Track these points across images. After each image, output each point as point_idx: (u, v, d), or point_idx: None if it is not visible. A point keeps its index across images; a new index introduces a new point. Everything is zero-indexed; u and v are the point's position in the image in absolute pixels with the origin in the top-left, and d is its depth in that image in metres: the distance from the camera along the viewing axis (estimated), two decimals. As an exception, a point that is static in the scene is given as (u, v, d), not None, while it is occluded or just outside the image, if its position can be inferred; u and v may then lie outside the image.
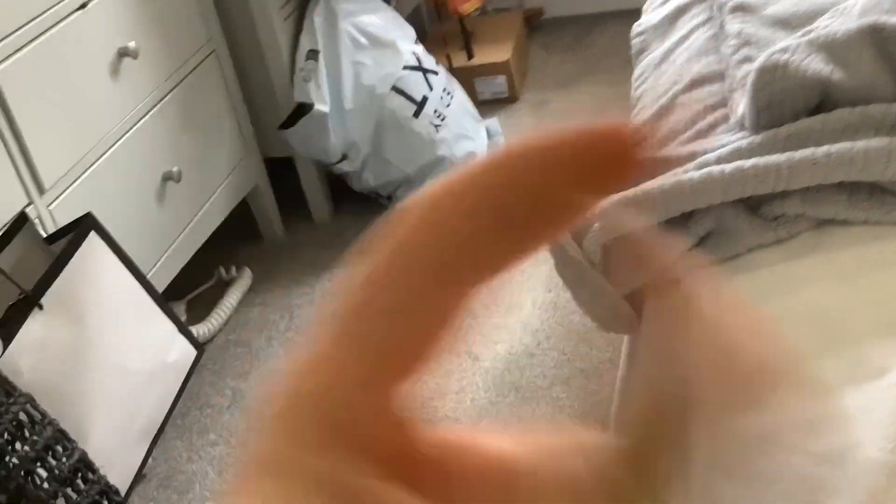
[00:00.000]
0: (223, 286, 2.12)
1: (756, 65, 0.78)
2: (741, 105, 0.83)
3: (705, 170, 0.74)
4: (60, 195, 1.59)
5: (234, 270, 2.15)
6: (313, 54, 2.12)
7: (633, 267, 0.82)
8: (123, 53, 1.73)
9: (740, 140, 0.77)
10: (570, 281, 0.82)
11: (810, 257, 0.73)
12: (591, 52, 2.84)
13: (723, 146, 0.78)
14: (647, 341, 0.81)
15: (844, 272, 0.71)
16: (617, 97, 2.57)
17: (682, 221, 0.79)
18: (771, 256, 0.75)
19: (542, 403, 1.71)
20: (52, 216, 1.56)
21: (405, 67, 2.20)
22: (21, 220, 1.45)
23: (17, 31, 1.51)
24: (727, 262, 0.77)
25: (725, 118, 0.89)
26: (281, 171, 2.31)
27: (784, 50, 0.77)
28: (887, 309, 0.68)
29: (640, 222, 0.72)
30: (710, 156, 0.77)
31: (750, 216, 0.76)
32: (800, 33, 0.80)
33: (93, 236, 1.43)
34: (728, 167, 0.73)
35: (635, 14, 2.46)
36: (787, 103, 0.76)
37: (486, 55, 2.63)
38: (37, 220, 1.52)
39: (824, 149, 0.71)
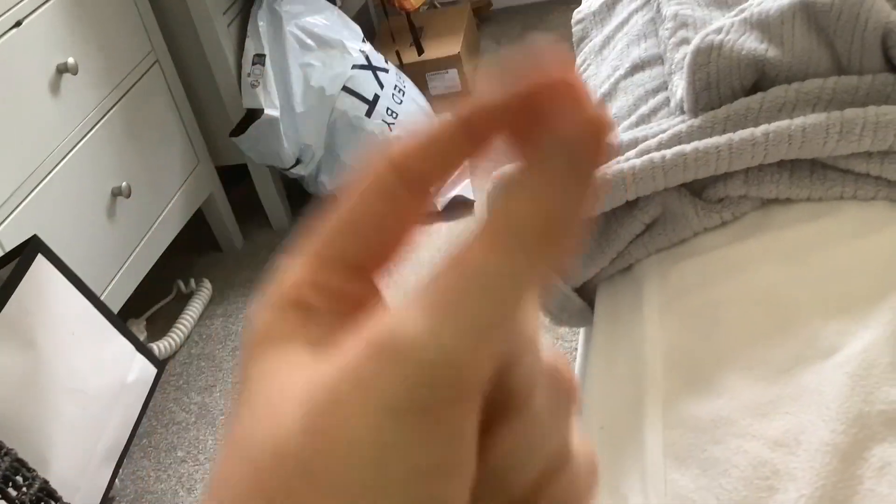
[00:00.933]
0: (183, 300, 2.09)
1: (691, 47, 0.77)
2: (680, 88, 0.82)
3: (646, 157, 0.73)
4: (5, 219, 1.55)
5: (193, 283, 2.12)
6: (259, 58, 2.09)
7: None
8: (62, 70, 1.70)
9: (680, 124, 0.76)
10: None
11: (756, 238, 0.72)
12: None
13: (663, 131, 0.77)
14: (599, 333, 0.80)
15: (791, 251, 0.71)
16: (569, 84, 2.57)
17: (627, 209, 0.78)
18: (718, 239, 0.74)
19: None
20: (-2, 241, 1.53)
21: (354, 67, 2.18)
22: (-35, 247, 1.41)
23: (-52, 53, 1.47)
24: (675, 246, 0.76)
25: (667, 101, 0.88)
26: (235, 178, 2.28)
27: (718, 30, 0.77)
28: (835, 286, 0.67)
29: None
30: (651, 142, 0.76)
31: (694, 200, 0.75)
32: (734, 12, 0.79)
33: (40, 259, 1.40)
34: (669, 152, 0.72)
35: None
36: (724, 84, 0.75)
37: (436, 50, 2.61)
38: (-18, 246, 1.48)
39: (763, 128, 0.71)
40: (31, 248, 1.39)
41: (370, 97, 2.19)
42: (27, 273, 1.38)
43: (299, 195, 2.32)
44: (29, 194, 1.61)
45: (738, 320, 0.68)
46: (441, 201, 2.20)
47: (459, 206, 2.20)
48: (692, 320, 0.71)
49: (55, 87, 1.69)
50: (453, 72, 2.59)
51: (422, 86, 2.51)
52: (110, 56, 1.84)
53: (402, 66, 2.50)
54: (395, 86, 2.27)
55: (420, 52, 2.61)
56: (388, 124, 2.20)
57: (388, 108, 2.21)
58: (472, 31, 2.79)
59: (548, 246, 0.18)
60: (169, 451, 1.77)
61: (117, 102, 1.85)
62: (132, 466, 1.74)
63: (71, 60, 1.70)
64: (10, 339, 1.35)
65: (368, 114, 2.17)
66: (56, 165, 1.68)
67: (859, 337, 0.64)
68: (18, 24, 1.62)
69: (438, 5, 2.91)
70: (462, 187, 2.22)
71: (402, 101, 2.26)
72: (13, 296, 1.35)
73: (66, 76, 1.71)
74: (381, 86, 2.22)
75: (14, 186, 1.58)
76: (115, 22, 1.86)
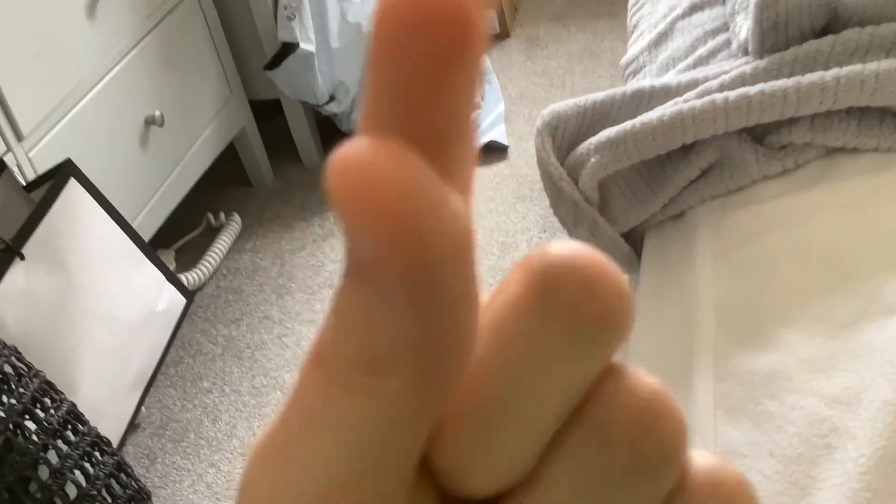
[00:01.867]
0: (212, 233, 2.08)
1: (761, -16, 0.73)
2: (744, 29, 0.78)
3: (707, 98, 0.70)
4: (39, 142, 1.54)
5: (222, 217, 2.11)
6: (297, -9, 2.05)
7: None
8: (99, -7, 1.67)
9: (744, 66, 0.73)
10: (565, 219, 0.79)
11: (819, 188, 0.69)
12: (583, -16, 2.76)
13: (725, 73, 0.74)
14: (647, 281, 0.77)
15: (854, 202, 0.68)
16: (610, 30, 2.51)
17: (682, 154, 0.75)
18: (778, 188, 0.71)
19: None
20: (31, 163, 1.52)
21: None
22: (-2, 168, 1.40)
23: (-16, -30, 1.45)
24: (731, 194, 0.73)
25: (727, 43, 0.84)
26: (268, 113, 2.25)
27: (790, -32, 0.73)
28: (900, 241, 0.64)
29: (635, 159, 0.66)
30: (713, 83, 0.73)
31: (755, 146, 0.72)
32: (806, -50, 0.75)
33: (73, 183, 1.39)
34: (732, 94, 0.69)
35: (629, -57, 2.37)
36: (792, 24, 0.72)
37: (476, -10, 2.55)
38: (16, 168, 1.47)
39: (833, 72, 0.67)
40: (65, 171, 1.38)
41: (408, 35, 2.14)
42: (59, 196, 1.37)
43: (332, 133, 2.29)
44: (63, 118, 1.60)
45: (797, 273, 0.66)
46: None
47: (492, 151, 2.16)
48: (747, 271, 0.68)
49: (91, 10, 1.67)
50: (492, 13, 2.53)
51: (460, 26, 2.46)
52: (147, -19, 1.80)
53: (440, 5, 2.44)
54: (434, 25, 2.22)
55: (460, -9, 2.54)
56: (425, 64, 2.16)
57: (425, 48, 2.17)
58: (514, -27, 2.72)
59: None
60: (195, 381, 1.77)
61: (153, 29, 1.82)
62: (158, 395, 1.75)
63: (108, -17, 1.67)
64: (42, 262, 1.35)
65: (405, 52, 2.13)
66: (91, 90, 1.66)
67: (923, 296, 0.62)
68: (55, -57, 1.59)
69: (480, -56, 2.84)
70: (495, 132, 2.18)
71: (439, 41, 2.22)
72: (45, 218, 1.34)
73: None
74: (420, 24, 2.18)
75: (49, 109, 1.56)
76: (153, -54, 1.83)
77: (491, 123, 2.22)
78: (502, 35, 2.57)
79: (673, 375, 0.67)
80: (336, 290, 0.15)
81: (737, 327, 0.65)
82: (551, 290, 0.15)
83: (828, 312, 0.62)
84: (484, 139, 2.17)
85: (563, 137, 0.78)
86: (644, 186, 0.76)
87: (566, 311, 0.15)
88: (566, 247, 0.15)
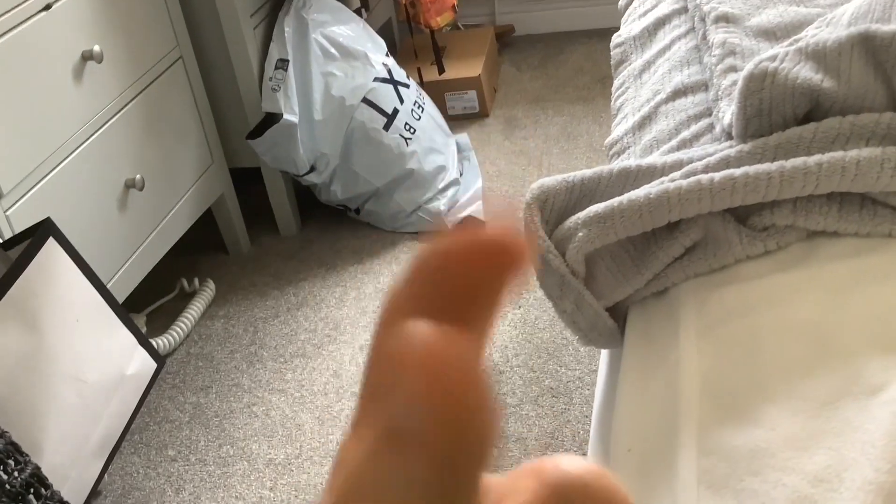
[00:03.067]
0: (185, 298, 2.07)
1: (745, 72, 0.76)
2: (728, 114, 0.81)
3: (693, 178, 0.72)
4: (19, 200, 1.54)
5: (196, 282, 2.10)
6: (283, 63, 2.09)
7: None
8: (88, 57, 1.69)
9: (728, 149, 0.75)
10: (551, 292, 0.80)
11: (801, 269, 0.71)
12: (561, 69, 2.83)
13: (710, 155, 0.76)
14: (631, 356, 0.78)
15: (836, 285, 0.69)
16: (586, 114, 2.57)
17: (667, 232, 0.76)
18: (760, 268, 0.73)
19: (512, 421, 1.68)
20: (9, 222, 1.51)
21: (376, 79, 2.18)
22: (-24, 224, 1.39)
23: (-24, 29, 1.46)
24: (715, 273, 0.75)
25: (710, 128, 0.87)
26: (247, 181, 2.27)
27: (773, 58, 0.76)
28: (881, 323, 0.66)
29: (623, 234, 0.67)
30: (698, 164, 0.75)
31: (738, 227, 0.74)
32: (787, 42, 0.79)
33: (51, 242, 1.38)
34: (717, 175, 0.71)
35: (605, 33, 2.44)
36: (776, 111, 0.74)
37: (457, 70, 2.61)
38: (-8, 226, 1.46)
39: (815, 158, 0.70)
40: (44, 230, 1.37)
41: (389, 111, 2.18)
42: (37, 255, 1.36)
43: (310, 203, 2.30)
44: (44, 177, 1.60)
45: (779, 351, 0.67)
46: (452, 220, 2.18)
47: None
48: (731, 348, 0.69)
49: (79, 74, 1.68)
50: (472, 93, 2.59)
51: (440, 104, 2.51)
52: (135, 48, 1.83)
53: (422, 84, 2.50)
54: (415, 101, 2.27)
55: (441, 71, 2.60)
56: (405, 139, 2.19)
57: (406, 124, 2.21)
58: (494, 55, 2.79)
59: None
60: (160, 448, 1.74)
61: (138, 94, 1.84)
62: (122, 462, 1.72)
63: (97, 48, 1.69)
64: (15, 320, 1.33)
65: (386, 127, 2.17)
66: (73, 151, 1.67)
67: (903, 377, 0.63)
68: (48, 7, 1.62)
69: (462, 27, 2.92)
70: (473, 209, 2.21)
71: (420, 118, 2.26)
72: (21, 276, 1.33)
73: (91, 63, 1.70)
74: (401, 100, 2.22)
75: (30, 168, 1.56)
76: (144, 14, 1.86)
77: (469, 200, 2.24)
78: (482, 114, 2.62)
79: (656, 450, 0.67)
80: (342, 448, 0.16)
81: (720, 403, 0.66)
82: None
83: (810, 391, 0.63)
84: (461, 215, 2.19)
85: (551, 211, 0.80)
86: (629, 262, 0.77)
87: None
88: (579, 465, 0.17)
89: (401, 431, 0.15)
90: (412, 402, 0.15)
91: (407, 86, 2.27)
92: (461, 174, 2.32)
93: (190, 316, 2.00)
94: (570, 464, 0.17)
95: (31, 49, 1.57)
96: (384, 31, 2.65)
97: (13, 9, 1.53)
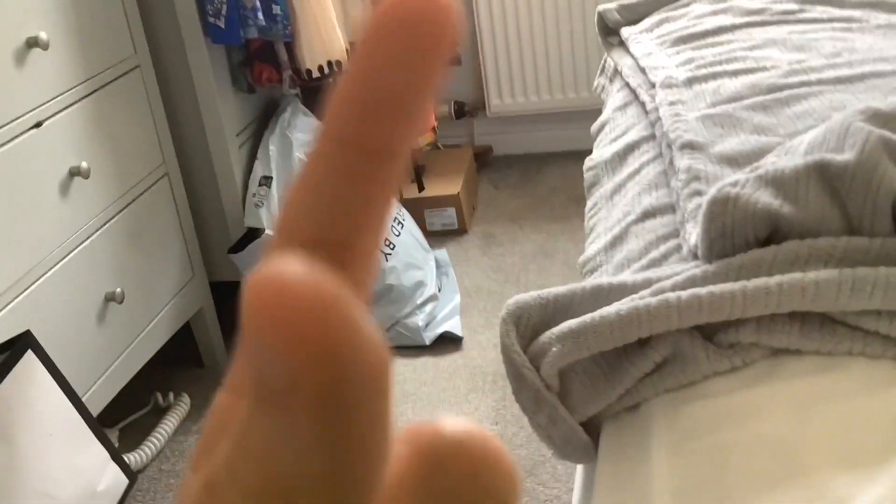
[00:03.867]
0: (159, 413, 2.05)
1: (708, 197, 0.80)
2: (693, 235, 0.84)
3: (661, 296, 0.75)
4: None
5: (171, 397, 2.08)
6: (266, 181, 2.14)
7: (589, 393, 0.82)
8: (75, 173, 1.73)
9: (694, 269, 0.79)
10: (527, 406, 0.81)
11: (765, 386, 0.73)
12: (538, 189, 2.91)
13: (677, 274, 0.80)
14: (604, 471, 0.79)
15: (800, 401, 0.71)
16: (563, 232, 2.63)
17: (638, 348, 0.79)
18: (727, 384, 0.75)
19: (488, 540, 1.66)
20: (-13, 333, 1.51)
21: (357, 197, 2.23)
22: (-46, 336, 1.39)
23: (-32, 145, 1.50)
24: (684, 388, 0.77)
25: (678, 248, 0.90)
26: (226, 295, 2.28)
27: (734, 184, 0.80)
28: (844, 441, 0.68)
29: (594, 349, 0.70)
30: (666, 283, 0.78)
31: (706, 343, 0.76)
32: (748, 169, 0.83)
33: (29, 355, 1.39)
34: (684, 294, 0.74)
35: (580, 154, 2.53)
36: (738, 234, 0.78)
37: (437, 188, 2.68)
38: (-30, 337, 1.46)
39: (776, 278, 0.73)
40: (23, 343, 1.38)
41: (370, 227, 2.23)
42: (14, 367, 1.36)
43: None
44: (26, 289, 1.61)
45: (748, 466, 0.68)
46: (429, 336, 2.20)
47: (447, 342, 2.20)
48: (701, 463, 0.71)
49: (65, 189, 1.72)
50: (451, 210, 2.65)
51: (420, 221, 2.57)
52: (122, 165, 1.87)
53: (401, 201, 2.56)
54: (395, 218, 2.32)
55: (421, 188, 2.67)
56: (385, 255, 2.23)
57: (385, 239, 2.25)
58: (472, 174, 2.87)
59: None
60: (128, 569, 1.69)
61: (123, 209, 1.88)
62: (87, 583, 1.66)
63: (84, 165, 1.73)
64: (-13, 434, 1.32)
65: (366, 243, 2.21)
66: (55, 264, 1.68)
67: (867, 492, 0.64)
68: (38, 125, 1.66)
69: (441, 147, 3.01)
70: (451, 324, 2.23)
71: (399, 234, 2.30)
72: (-3, 389, 1.33)
73: (78, 179, 1.74)
74: (382, 217, 2.27)
75: (13, 280, 1.57)
76: (132, 132, 1.91)
77: (447, 315, 2.27)
78: (461, 231, 2.67)
79: (630, 566, 0.68)
80: (220, 409, 0.15)
81: (692, 518, 0.67)
82: (442, 465, 0.16)
83: (778, 505, 0.65)
84: (439, 330, 2.21)
85: (526, 326, 0.82)
86: (602, 377, 0.79)
87: (458, 485, 0.16)
88: (457, 426, 0.16)
89: (268, 392, 0.13)
90: (267, 352, 0.13)
91: (387, 203, 2.32)
92: (439, 289, 2.35)
93: (163, 431, 1.98)
94: (447, 424, 0.16)
95: (21, 164, 1.61)
96: (366, 151, 2.72)
97: (4, 125, 1.58)
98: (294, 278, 0.13)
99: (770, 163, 0.83)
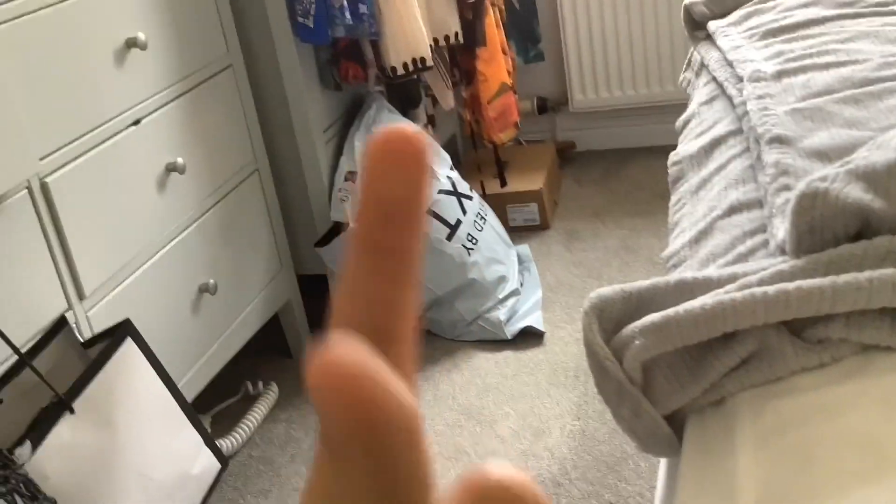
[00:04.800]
0: (249, 401, 2.12)
1: (797, 191, 0.79)
2: (781, 230, 0.84)
3: (747, 291, 0.75)
4: (99, 301, 1.62)
5: (260, 386, 2.15)
6: (352, 175, 2.18)
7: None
8: (171, 168, 1.79)
9: (781, 264, 0.78)
10: (609, 398, 0.82)
11: (855, 382, 0.72)
12: (621, 185, 2.89)
13: (763, 269, 0.79)
14: (688, 465, 0.80)
15: (890, 399, 0.70)
16: (646, 227, 2.61)
17: (724, 342, 0.79)
18: (815, 380, 0.74)
19: (570, 534, 1.67)
20: (89, 321, 1.59)
21: (440, 191, 2.25)
22: (60, 324, 1.47)
23: (73, 141, 1.58)
24: (770, 384, 0.76)
25: (764, 244, 0.90)
26: (313, 288, 2.34)
27: (824, 178, 0.79)
28: (936, 437, 0.67)
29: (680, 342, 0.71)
30: (752, 278, 0.78)
31: (793, 339, 0.76)
32: (838, 163, 0.82)
33: (129, 343, 1.45)
34: (771, 289, 0.74)
35: (663, 150, 2.50)
36: (827, 229, 0.77)
37: (519, 183, 2.69)
38: (74, 325, 1.54)
39: (867, 274, 0.72)
40: (123, 330, 1.44)
41: (453, 221, 2.25)
42: (115, 354, 1.42)
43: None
44: (124, 280, 1.68)
45: (835, 462, 0.68)
46: (511, 331, 2.21)
47: (529, 337, 2.21)
48: (787, 458, 0.70)
49: (162, 184, 1.79)
50: (533, 206, 2.65)
51: (502, 216, 2.58)
52: (215, 161, 1.94)
53: (484, 196, 2.57)
54: (478, 213, 2.33)
55: (503, 184, 2.68)
56: (468, 249, 2.25)
57: (468, 234, 2.27)
58: (555, 170, 2.87)
59: None
60: (219, 551, 1.75)
61: (215, 204, 1.94)
62: (181, 563, 1.73)
63: (180, 160, 1.80)
64: (90, 417, 1.39)
65: (449, 237, 2.23)
66: (153, 256, 1.76)
67: (960, 492, 0.63)
68: (137, 122, 1.74)
69: (524, 143, 3.01)
70: (532, 318, 2.24)
71: (482, 229, 2.32)
72: (99, 374, 1.39)
73: (174, 175, 1.80)
74: (464, 212, 2.29)
75: (112, 272, 1.65)
76: (225, 129, 1.97)
77: (529, 310, 2.27)
78: (543, 227, 2.68)
79: (714, 558, 0.68)
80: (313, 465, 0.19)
81: (777, 513, 0.67)
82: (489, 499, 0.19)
83: (865, 501, 0.64)
84: (521, 325, 2.22)
85: (608, 320, 0.83)
86: (686, 371, 0.80)
87: None
88: (502, 470, 0.19)
89: (331, 446, 0.18)
90: (327, 417, 0.17)
91: (470, 198, 2.34)
92: (521, 284, 2.36)
93: (253, 419, 2.04)
94: (493, 468, 0.19)
95: (121, 160, 1.68)
96: (449, 146, 2.75)
97: (105, 123, 1.65)
98: (345, 358, 0.17)
99: (861, 157, 0.82)
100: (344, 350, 0.17)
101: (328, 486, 0.18)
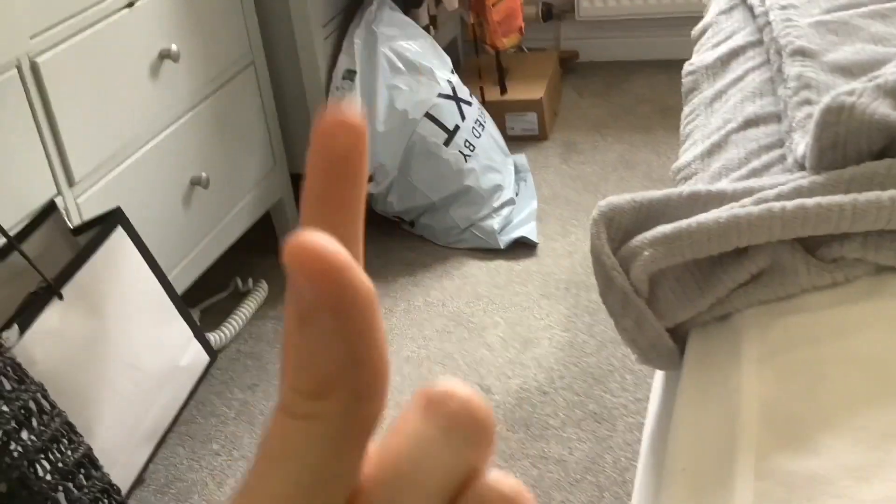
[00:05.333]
0: (238, 297, 2.11)
1: (822, 105, 0.77)
2: (801, 145, 0.81)
3: (765, 205, 0.73)
4: (90, 188, 1.59)
5: (250, 282, 2.13)
6: (350, 74, 2.13)
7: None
8: (165, 55, 1.74)
9: (800, 179, 0.76)
10: (613, 308, 0.81)
11: (867, 303, 0.71)
12: (622, 98, 2.84)
13: (781, 184, 0.77)
14: (689, 378, 0.79)
15: (902, 320, 0.69)
16: (645, 143, 2.57)
17: (735, 257, 0.77)
18: (826, 299, 0.73)
19: (553, 443, 1.68)
20: (79, 209, 1.56)
21: (440, 95, 2.20)
22: (49, 208, 1.44)
23: (63, 21, 1.52)
24: (780, 301, 0.75)
25: (781, 159, 0.87)
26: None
27: (851, 92, 0.76)
28: (947, 361, 0.66)
29: (689, 255, 0.68)
30: (769, 192, 0.76)
31: (807, 257, 0.74)
32: (866, 77, 0.79)
33: (119, 231, 1.42)
34: (789, 204, 0.72)
35: (669, 64, 2.44)
36: (851, 145, 0.75)
37: (519, 92, 2.63)
38: (64, 211, 1.51)
39: (889, 193, 0.70)
40: (113, 218, 1.41)
41: (451, 127, 2.21)
42: (105, 242, 1.40)
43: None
44: (115, 168, 1.64)
45: (842, 381, 0.67)
46: (504, 240, 2.20)
47: (522, 248, 2.20)
48: (793, 376, 0.69)
49: (155, 71, 1.73)
50: (533, 115, 2.61)
51: (501, 124, 2.53)
52: (211, 50, 1.88)
53: (483, 103, 2.52)
54: (477, 119, 2.29)
55: (503, 91, 2.63)
56: (465, 156, 2.22)
57: (466, 140, 2.23)
58: (556, 79, 2.81)
59: None
60: (205, 441, 1.77)
61: (210, 95, 1.89)
62: (166, 452, 1.75)
63: (174, 47, 1.74)
64: (79, 304, 1.37)
65: (447, 143, 2.19)
66: (145, 145, 1.71)
67: (967, 417, 0.63)
68: (131, 4, 1.67)
69: (526, 50, 2.94)
70: (526, 229, 2.22)
71: (480, 136, 2.28)
72: (88, 262, 1.37)
73: (167, 62, 1.75)
74: (463, 117, 2.24)
75: (102, 158, 1.61)
76: (220, 18, 1.91)
77: (523, 220, 2.26)
78: (541, 137, 2.63)
79: (711, 471, 0.68)
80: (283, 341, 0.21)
81: (780, 429, 0.66)
82: (438, 403, 0.21)
83: (872, 422, 0.63)
84: (515, 235, 2.20)
85: (617, 229, 0.81)
86: (694, 285, 0.78)
87: (447, 417, 0.21)
88: (447, 380, 0.22)
89: (301, 310, 0.20)
90: (301, 282, 0.20)
91: (469, 103, 2.29)
92: (517, 194, 2.33)
93: (242, 314, 2.03)
94: (443, 380, 0.22)
95: (112, 44, 1.63)
96: (450, 49, 2.68)
97: (98, 2, 1.59)
98: (317, 240, 0.19)
99: (890, 72, 0.79)
100: (317, 235, 0.20)
101: (301, 348, 0.21)
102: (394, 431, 0.21)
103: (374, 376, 0.20)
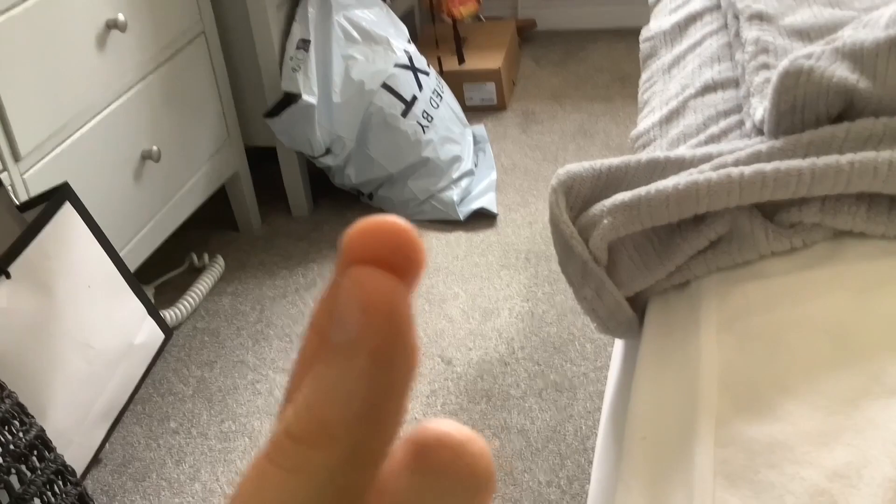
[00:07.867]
0: (194, 273, 2.07)
1: (780, 69, 0.76)
2: (759, 110, 0.80)
3: (723, 171, 0.72)
4: (36, 164, 1.54)
5: (206, 258, 2.10)
6: (304, 44, 2.09)
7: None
8: (112, 25, 1.68)
9: (759, 144, 0.75)
10: (573, 278, 0.80)
11: (825, 268, 0.71)
12: (581, 67, 2.83)
13: (739, 149, 0.76)
14: (648, 346, 0.78)
15: (860, 285, 0.69)
16: (604, 112, 2.57)
17: (693, 224, 0.76)
18: (785, 265, 0.73)
19: (514, 413, 1.68)
20: (25, 184, 1.51)
21: (397, 65, 2.17)
22: (-7, 184, 1.39)
23: (4, -10, 1.46)
24: (738, 268, 0.75)
25: (739, 124, 0.87)
26: (262, 160, 2.27)
27: (809, 56, 0.75)
28: (904, 325, 0.66)
29: (648, 223, 0.67)
30: (728, 157, 0.75)
31: (765, 222, 0.73)
32: (824, 41, 0.78)
33: (67, 207, 1.38)
34: (747, 169, 0.71)
35: (627, 32, 2.43)
36: (809, 109, 0.74)
37: (477, 61, 2.61)
38: (9, 188, 1.46)
39: (848, 157, 0.69)
40: (61, 194, 1.37)
41: (408, 97, 2.18)
42: (53, 219, 1.36)
43: (323, 185, 2.30)
44: (61, 143, 1.60)
45: (801, 347, 0.67)
46: (463, 211, 2.18)
47: (481, 219, 2.19)
48: (752, 342, 0.69)
49: (102, 42, 1.68)
50: (491, 85, 2.59)
51: (459, 94, 2.51)
52: (159, 20, 1.83)
53: (441, 73, 2.49)
54: (434, 90, 2.26)
55: (461, 61, 2.60)
56: (423, 127, 2.19)
57: (424, 111, 2.20)
58: (514, 49, 2.79)
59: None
60: (162, 420, 1.74)
61: (159, 66, 1.84)
62: (123, 431, 1.72)
63: (121, 17, 1.69)
64: (27, 283, 1.33)
65: (404, 114, 2.16)
66: (92, 118, 1.67)
67: (924, 380, 0.63)
68: (75, -28, 1.61)
69: (484, 19, 2.91)
70: (485, 200, 2.20)
71: (438, 106, 2.26)
72: (36, 239, 1.33)
73: (114, 32, 1.70)
74: (420, 88, 2.22)
75: (49, 132, 1.56)
76: (169, -14, 1.85)
77: (482, 191, 2.24)
78: (499, 107, 2.62)
79: (672, 439, 0.67)
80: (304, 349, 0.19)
81: (739, 396, 0.66)
82: (428, 454, 0.18)
83: (831, 388, 0.63)
84: (474, 206, 2.19)
85: (576, 198, 0.80)
86: (653, 253, 0.77)
87: (439, 471, 0.18)
88: (441, 422, 0.19)
89: (339, 339, 0.18)
90: (350, 312, 0.18)
91: (427, 73, 2.26)
92: (476, 165, 2.31)
93: (198, 290, 2.00)
94: (433, 422, 0.19)
95: (56, 14, 1.57)
96: (406, 19, 2.64)
97: (41, -28, 1.53)
98: (385, 277, 0.18)
99: (847, 35, 0.78)
100: (385, 274, 0.18)
101: (320, 377, 0.18)
102: (378, 491, 0.18)
103: (384, 440, 0.18)
